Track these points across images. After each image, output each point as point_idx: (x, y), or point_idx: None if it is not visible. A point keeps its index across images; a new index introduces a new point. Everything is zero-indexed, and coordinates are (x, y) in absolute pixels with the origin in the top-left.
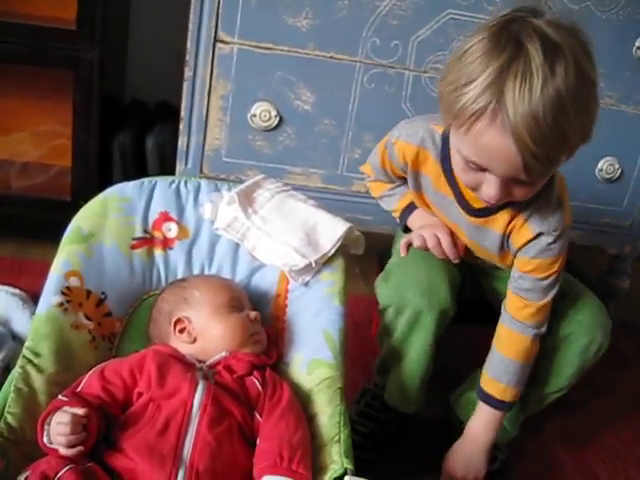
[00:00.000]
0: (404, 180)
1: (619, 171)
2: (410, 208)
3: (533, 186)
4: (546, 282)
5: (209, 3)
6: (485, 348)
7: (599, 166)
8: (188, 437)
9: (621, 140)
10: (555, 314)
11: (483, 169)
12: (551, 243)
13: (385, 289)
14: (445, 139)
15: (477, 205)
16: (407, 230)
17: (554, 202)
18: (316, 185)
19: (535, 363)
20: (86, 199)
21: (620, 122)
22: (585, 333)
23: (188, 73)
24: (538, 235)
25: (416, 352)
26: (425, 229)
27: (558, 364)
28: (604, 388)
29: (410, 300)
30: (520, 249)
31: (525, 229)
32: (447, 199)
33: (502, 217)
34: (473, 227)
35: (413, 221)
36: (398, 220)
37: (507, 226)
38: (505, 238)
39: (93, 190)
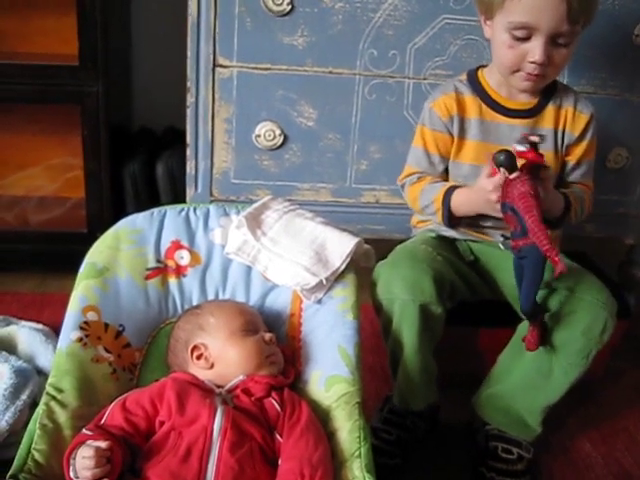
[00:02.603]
0: (445, 170)
1: (628, 160)
2: (450, 191)
3: (567, 50)
4: (592, 161)
5: (205, 29)
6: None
7: (608, 157)
8: (210, 462)
9: (628, 129)
10: (558, 293)
11: (528, 37)
12: (595, 121)
13: (376, 289)
14: (471, 77)
15: (522, 106)
16: (451, 223)
17: (576, 92)
18: (326, 199)
19: (542, 349)
20: (102, 230)
21: (626, 111)
22: (588, 311)
23: (190, 99)
24: (592, 116)
25: (409, 348)
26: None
27: (563, 343)
28: (629, 379)
29: (397, 294)
30: (580, 135)
31: (579, 115)
32: (494, 123)
33: (548, 113)
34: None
35: (457, 198)
36: (438, 210)
37: (557, 121)
38: (559, 134)
39: (108, 220)
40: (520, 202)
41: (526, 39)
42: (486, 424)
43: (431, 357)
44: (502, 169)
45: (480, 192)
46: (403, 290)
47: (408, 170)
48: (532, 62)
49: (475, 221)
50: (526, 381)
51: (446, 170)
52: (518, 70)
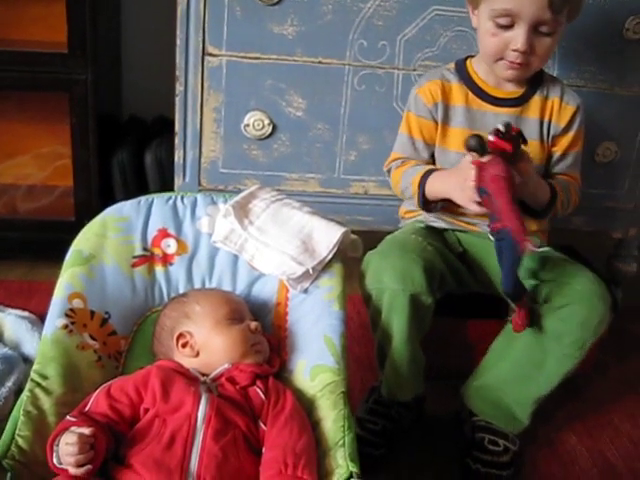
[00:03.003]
0: (429, 156)
1: (617, 154)
2: (428, 174)
3: (550, 40)
4: (579, 152)
5: (195, 17)
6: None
7: (597, 151)
8: (194, 450)
9: (617, 123)
10: (554, 284)
11: (511, 25)
12: (582, 113)
13: (365, 278)
14: (459, 66)
15: (508, 95)
16: (425, 206)
17: (563, 84)
18: (314, 190)
19: (535, 339)
20: (90, 218)
21: (615, 105)
22: (586, 303)
23: (179, 88)
24: (578, 107)
25: (398, 337)
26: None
27: (559, 334)
28: (615, 373)
29: (387, 284)
30: (566, 127)
31: (565, 107)
32: (480, 111)
33: (534, 103)
34: (512, 122)
35: (432, 181)
36: (415, 193)
37: (543, 112)
38: (545, 124)
39: (96, 209)
40: (492, 184)
41: (509, 27)
42: (473, 415)
43: (419, 348)
44: (473, 153)
45: (458, 172)
46: (393, 280)
47: (393, 156)
48: (514, 50)
49: (463, 211)
50: (517, 371)
51: (432, 157)
52: (501, 58)
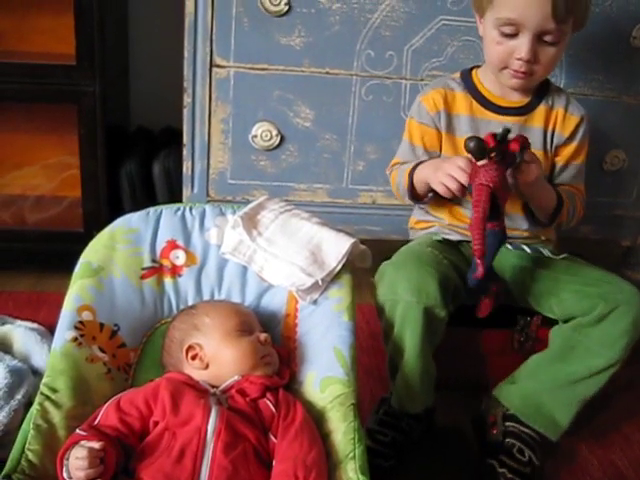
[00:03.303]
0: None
1: (625, 162)
2: (420, 163)
3: (555, 50)
4: (583, 164)
5: (202, 29)
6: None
7: (605, 159)
8: (204, 463)
9: (626, 131)
10: (593, 295)
11: (515, 34)
12: (586, 124)
13: (379, 288)
14: (464, 75)
15: (513, 104)
16: (413, 197)
17: (568, 94)
18: (322, 200)
19: (583, 340)
20: (98, 229)
21: (622, 113)
22: (631, 307)
23: (187, 99)
24: (582, 118)
25: (411, 350)
26: (438, 173)
27: (607, 338)
28: (627, 382)
29: (401, 296)
30: (570, 137)
31: (569, 117)
32: (484, 120)
33: (539, 113)
34: (515, 131)
35: (420, 168)
36: (405, 184)
37: (547, 121)
38: (549, 134)
39: (104, 219)
40: (475, 192)
41: (514, 36)
42: (507, 419)
43: (432, 360)
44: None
45: (450, 161)
46: (408, 292)
47: (394, 160)
48: (518, 59)
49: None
50: (564, 373)
51: None
52: (506, 67)
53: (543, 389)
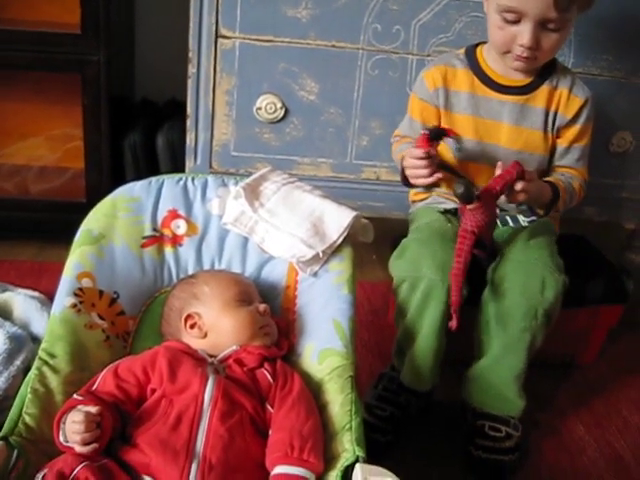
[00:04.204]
0: None
1: (632, 144)
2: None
3: (558, 35)
4: (587, 146)
5: None
6: None
7: (612, 140)
8: (200, 431)
9: (633, 112)
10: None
11: (517, 20)
12: (591, 107)
13: (400, 263)
14: (468, 52)
15: (515, 83)
16: (404, 181)
17: (575, 75)
18: (326, 174)
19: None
20: (100, 200)
21: (631, 94)
22: (520, 271)
23: (192, 70)
24: (587, 100)
25: (429, 328)
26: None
27: (507, 312)
28: (624, 364)
29: (425, 273)
30: (573, 119)
31: (573, 98)
32: (485, 97)
33: (541, 93)
34: (516, 110)
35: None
36: (399, 166)
37: (550, 102)
38: (551, 114)
39: (107, 191)
40: (459, 239)
41: (516, 22)
42: (468, 403)
43: (445, 340)
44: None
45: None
46: (432, 269)
47: (396, 132)
48: (521, 45)
49: None
50: (495, 354)
51: None
52: (508, 51)
53: (484, 370)
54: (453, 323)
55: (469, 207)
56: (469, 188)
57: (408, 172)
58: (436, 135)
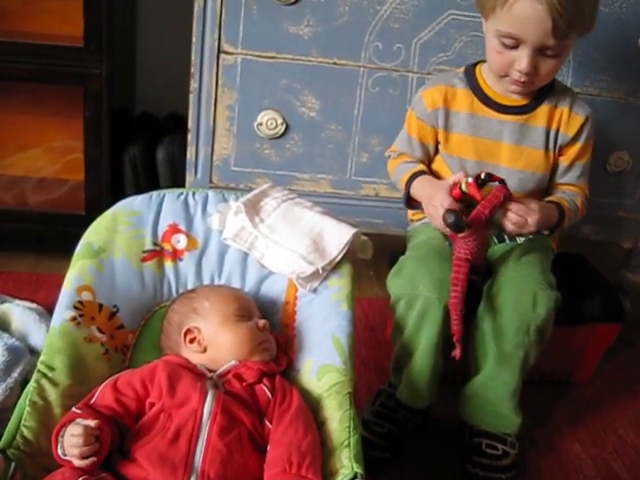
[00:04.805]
0: (424, 155)
1: (629, 164)
2: (417, 175)
3: (555, 61)
4: (587, 163)
5: (211, 15)
6: None
7: (609, 160)
8: (199, 445)
9: (631, 133)
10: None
11: (516, 46)
12: (591, 124)
13: (397, 281)
14: (468, 71)
15: (515, 103)
16: (409, 204)
17: (574, 94)
18: (325, 190)
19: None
20: (100, 213)
21: (629, 115)
22: (511, 287)
23: (194, 85)
24: (587, 118)
25: (426, 345)
26: (429, 209)
27: (500, 329)
28: (621, 382)
29: (422, 291)
30: (575, 137)
31: (574, 117)
32: (485, 117)
33: (542, 112)
34: (516, 130)
35: (417, 185)
36: (402, 190)
37: (550, 121)
38: (552, 133)
39: (107, 203)
40: (454, 267)
41: (514, 47)
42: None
43: (442, 357)
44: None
45: (435, 188)
46: (429, 287)
47: (393, 147)
48: (518, 70)
49: None
50: (489, 371)
51: (427, 155)
52: (506, 75)
53: (478, 388)
54: (457, 352)
55: (460, 235)
56: (459, 217)
57: (431, 211)
58: (483, 182)
